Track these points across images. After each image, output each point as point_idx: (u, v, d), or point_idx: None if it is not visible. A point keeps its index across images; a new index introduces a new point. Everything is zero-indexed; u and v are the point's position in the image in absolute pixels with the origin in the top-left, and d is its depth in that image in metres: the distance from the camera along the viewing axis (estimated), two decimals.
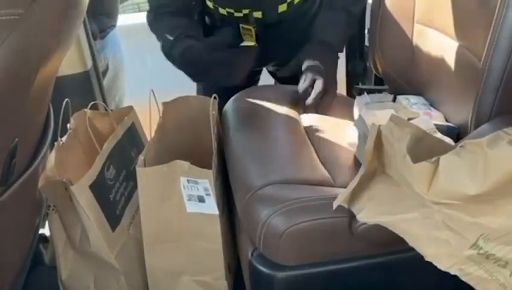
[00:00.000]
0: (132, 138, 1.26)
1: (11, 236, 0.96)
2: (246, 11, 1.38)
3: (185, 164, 1.04)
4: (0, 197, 0.85)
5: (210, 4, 1.41)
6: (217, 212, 1.06)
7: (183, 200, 1.06)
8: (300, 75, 1.24)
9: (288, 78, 1.41)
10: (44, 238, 1.29)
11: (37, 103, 0.97)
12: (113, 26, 1.81)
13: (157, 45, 1.51)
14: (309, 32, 1.32)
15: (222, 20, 1.44)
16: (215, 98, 1.22)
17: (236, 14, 1.40)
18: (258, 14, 1.38)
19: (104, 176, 1.10)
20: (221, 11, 1.40)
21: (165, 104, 1.27)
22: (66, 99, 1.11)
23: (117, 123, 1.23)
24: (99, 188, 1.06)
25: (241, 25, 1.41)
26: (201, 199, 1.06)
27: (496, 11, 0.93)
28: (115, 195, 1.13)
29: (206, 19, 1.47)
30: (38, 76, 0.85)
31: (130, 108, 1.29)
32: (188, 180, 1.05)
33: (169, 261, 1.12)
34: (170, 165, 1.05)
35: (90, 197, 1.04)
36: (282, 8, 1.38)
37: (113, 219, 1.10)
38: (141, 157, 1.07)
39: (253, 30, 1.41)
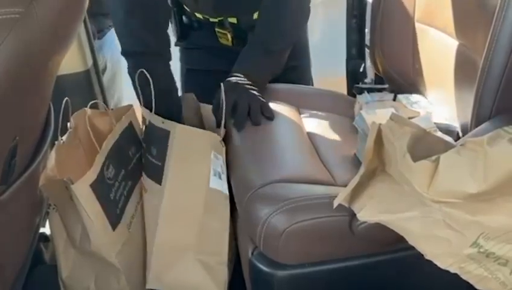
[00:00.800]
0: (130, 137, 1.26)
1: (12, 235, 0.96)
2: (220, 18, 1.39)
3: (217, 137, 1.05)
4: (1, 196, 0.85)
5: (186, 8, 1.42)
6: (227, 192, 1.07)
7: (210, 173, 1.06)
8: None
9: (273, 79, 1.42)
10: (44, 237, 1.29)
11: (38, 102, 0.97)
12: (111, 26, 1.81)
13: None
14: None
15: (198, 22, 1.45)
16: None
17: (211, 20, 1.41)
18: (232, 20, 1.40)
19: (104, 175, 1.10)
20: (197, 15, 1.42)
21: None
22: (66, 98, 1.11)
23: (117, 122, 1.23)
24: (99, 187, 1.06)
25: (216, 29, 1.43)
26: (220, 176, 1.06)
27: (496, 10, 0.93)
28: (115, 194, 1.13)
29: (184, 18, 1.48)
30: (38, 75, 0.85)
31: (129, 106, 1.29)
32: (214, 154, 1.05)
33: (180, 232, 1.10)
34: (205, 132, 1.06)
35: (91, 196, 1.04)
36: (257, 14, 1.38)
37: (113, 218, 1.10)
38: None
39: (229, 34, 1.42)
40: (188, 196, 1.08)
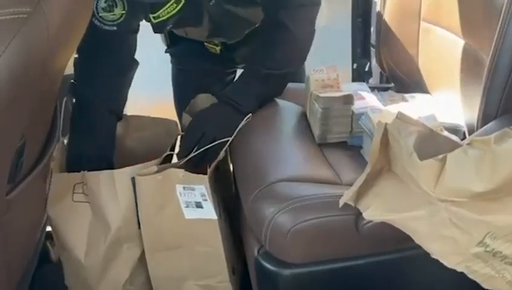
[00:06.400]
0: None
1: (19, 233, 0.97)
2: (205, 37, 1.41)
3: (180, 172, 1.05)
4: (8, 194, 0.85)
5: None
6: (215, 217, 1.07)
7: (181, 207, 1.06)
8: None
9: None
10: (51, 236, 1.29)
11: (44, 101, 0.97)
12: None
13: (159, 44, 1.52)
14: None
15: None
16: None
17: (200, 39, 1.42)
18: (222, 39, 1.41)
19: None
20: (187, 34, 1.42)
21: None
22: (65, 98, 1.12)
23: (134, 128, 1.25)
24: None
25: (205, 43, 1.44)
26: (198, 205, 1.06)
27: (503, 9, 0.93)
28: None
29: None
30: (45, 74, 0.86)
31: (172, 122, 1.31)
32: (184, 187, 1.06)
33: (172, 267, 1.13)
34: (165, 173, 1.06)
35: (129, 188, 1.06)
36: (248, 32, 1.39)
37: None
38: (154, 168, 1.08)
39: (217, 48, 1.44)
40: (166, 235, 1.10)
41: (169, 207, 1.07)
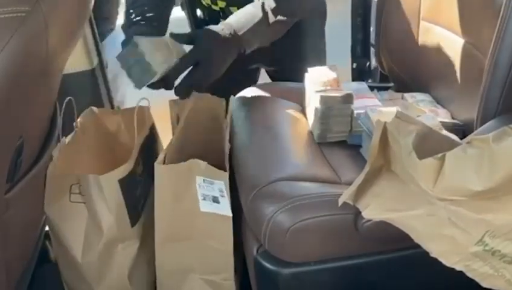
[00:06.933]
0: (154, 135, 1.28)
1: (18, 232, 0.97)
2: (222, 4, 1.39)
3: (202, 164, 1.05)
4: (7, 194, 0.85)
5: None
6: (230, 214, 1.06)
7: (198, 199, 1.06)
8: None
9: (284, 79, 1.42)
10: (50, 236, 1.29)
11: (43, 101, 0.97)
12: (112, 29, 1.84)
13: None
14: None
15: (208, 14, 1.47)
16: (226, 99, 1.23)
17: (213, 7, 1.42)
18: (234, 10, 1.39)
19: (136, 171, 1.10)
20: (203, 1, 1.43)
21: (182, 102, 1.28)
22: (69, 98, 1.12)
23: (125, 122, 1.24)
24: (128, 183, 1.08)
25: (221, 21, 1.44)
26: (215, 200, 1.06)
27: (502, 8, 0.93)
28: (140, 191, 1.13)
29: (198, 11, 1.51)
30: (44, 74, 0.86)
31: (145, 108, 1.30)
32: (203, 180, 1.05)
33: (179, 258, 1.12)
34: (188, 163, 1.05)
35: (117, 191, 1.05)
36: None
37: (134, 214, 1.11)
38: (161, 156, 1.07)
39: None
40: (179, 225, 1.09)
41: (186, 197, 1.06)
